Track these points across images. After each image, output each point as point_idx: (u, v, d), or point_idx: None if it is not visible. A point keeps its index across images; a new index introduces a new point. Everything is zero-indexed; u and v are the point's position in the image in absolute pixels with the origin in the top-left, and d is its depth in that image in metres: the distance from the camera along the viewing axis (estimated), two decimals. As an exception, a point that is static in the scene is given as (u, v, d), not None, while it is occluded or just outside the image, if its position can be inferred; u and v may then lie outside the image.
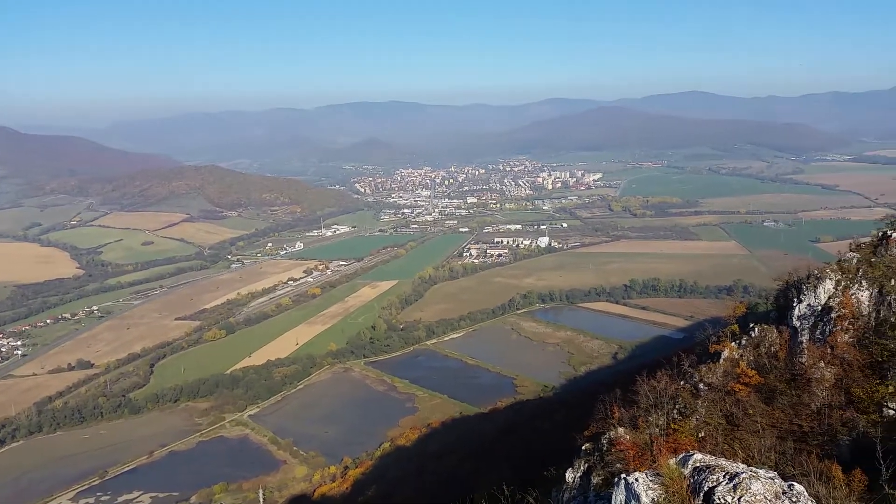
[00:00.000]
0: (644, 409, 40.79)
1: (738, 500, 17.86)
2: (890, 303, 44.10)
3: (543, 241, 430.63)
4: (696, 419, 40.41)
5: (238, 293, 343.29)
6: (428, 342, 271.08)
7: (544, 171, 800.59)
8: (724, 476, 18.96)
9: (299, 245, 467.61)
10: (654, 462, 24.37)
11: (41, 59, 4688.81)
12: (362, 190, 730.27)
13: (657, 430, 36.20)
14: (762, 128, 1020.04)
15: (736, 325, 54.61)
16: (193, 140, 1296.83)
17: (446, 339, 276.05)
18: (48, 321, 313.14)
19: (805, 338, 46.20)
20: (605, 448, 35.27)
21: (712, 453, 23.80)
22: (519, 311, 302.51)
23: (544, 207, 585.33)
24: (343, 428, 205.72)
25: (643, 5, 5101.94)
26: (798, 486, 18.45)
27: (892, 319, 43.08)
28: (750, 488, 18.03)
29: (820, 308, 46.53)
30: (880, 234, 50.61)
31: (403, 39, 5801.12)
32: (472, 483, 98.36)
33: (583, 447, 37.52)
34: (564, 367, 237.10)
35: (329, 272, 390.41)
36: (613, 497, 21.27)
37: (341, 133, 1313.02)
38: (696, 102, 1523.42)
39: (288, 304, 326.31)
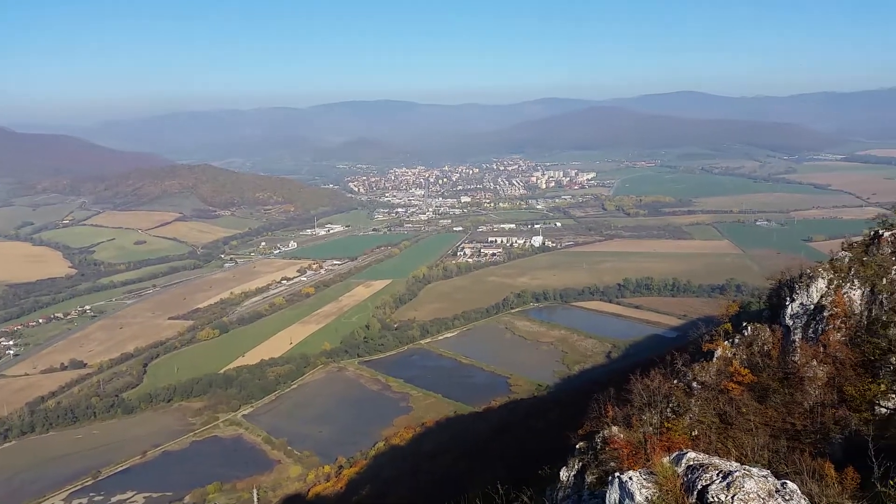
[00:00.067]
0: (638, 408, 40.89)
1: (732, 498, 17.93)
2: (882, 301, 44.34)
3: (537, 241, 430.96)
4: (690, 418, 40.55)
5: (231, 292, 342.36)
6: (422, 341, 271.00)
7: (538, 171, 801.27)
8: (718, 474, 19.02)
9: (293, 244, 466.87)
10: (648, 461, 24.46)
11: (31, 57, 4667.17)
12: (356, 189, 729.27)
13: (651, 428, 36.30)
14: (755, 127, 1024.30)
15: (729, 324, 54.74)
16: (186, 139, 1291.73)
17: (440, 338, 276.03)
18: (40, 321, 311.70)
19: (798, 336, 46.40)
20: (599, 447, 35.36)
21: (706, 452, 23.88)
22: (513, 311, 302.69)
23: (538, 207, 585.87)
24: (337, 427, 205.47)
25: (637, 5, 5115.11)
26: (791, 485, 18.52)
27: (884, 318, 43.30)
28: (743, 486, 18.09)
29: (812, 307, 46.74)
30: (872, 233, 50.83)
31: (398, 39, 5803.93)
32: (466, 482, 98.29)
33: (577, 446, 37.62)
34: (558, 365, 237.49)
35: (323, 271, 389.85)
36: (607, 496, 21.30)
37: (335, 132, 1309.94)
38: (690, 102, 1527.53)
39: (282, 304, 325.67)
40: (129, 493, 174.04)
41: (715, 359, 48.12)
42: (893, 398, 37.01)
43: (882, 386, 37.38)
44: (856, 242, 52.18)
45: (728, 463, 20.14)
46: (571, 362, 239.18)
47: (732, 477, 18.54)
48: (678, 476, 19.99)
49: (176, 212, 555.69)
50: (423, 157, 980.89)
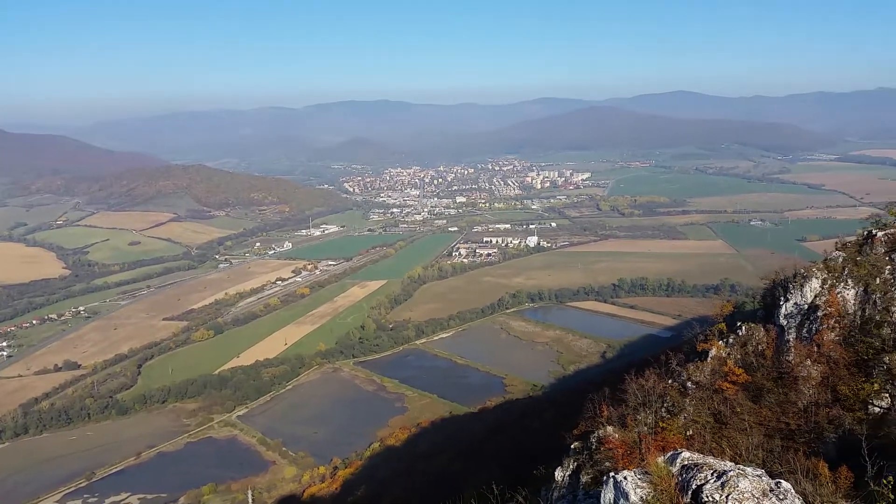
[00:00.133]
0: (633, 408, 40.95)
1: (726, 497, 17.95)
2: (875, 301, 44.48)
3: (532, 241, 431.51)
4: (685, 417, 40.60)
5: (226, 293, 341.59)
6: (417, 342, 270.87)
7: (533, 171, 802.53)
8: (712, 474, 19.05)
9: (288, 245, 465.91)
10: (643, 460, 24.44)
11: (25, 57, 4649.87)
12: (351, 189, 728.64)
13: (646, 428, 36.35)
14: (749, 127, 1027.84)
15: (723, 324, 54.81)
16: (180, 139, 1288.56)
17: (436, 338, 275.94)
18: (34, 322, 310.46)
19: (792, 336, 46.50)
20: (594, 447, 35.37)
21: (700, 451, 23.93)
22: (508, 311, 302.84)
23: (533, 207, 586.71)
24: (332, 428, 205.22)
25: (633, 6, 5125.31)
26: (785, 484, 18.56)
27: (878, 318, 43.44)
28: (738, 486, 18.13)
29: (806, 307, 46.85)
30: (865, 233, 50.93)
31: (394, 39, 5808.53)
32: (461, 482, 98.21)
33: (572, 446, 37.61)
34: (553, 366, 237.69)
35: (318, 272, 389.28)
36: (602, 495, 21.32)
37: (331, 132, 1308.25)
38: (684, 102, 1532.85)
39: (276, 304, 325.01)
40: (124, 495, 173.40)
41: (709, 358, 48.18)
42: (887, 397, 37.15)
43: (875, 385, 37.50)
44: (849, 242, 52.22)
45: (722, 462, 20.18)
46: (566, 362, 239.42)
47: (727, 476, 18.58)
48: (673, 476, 20.01)
49: (170, 212, 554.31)
50: (419, 157, 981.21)
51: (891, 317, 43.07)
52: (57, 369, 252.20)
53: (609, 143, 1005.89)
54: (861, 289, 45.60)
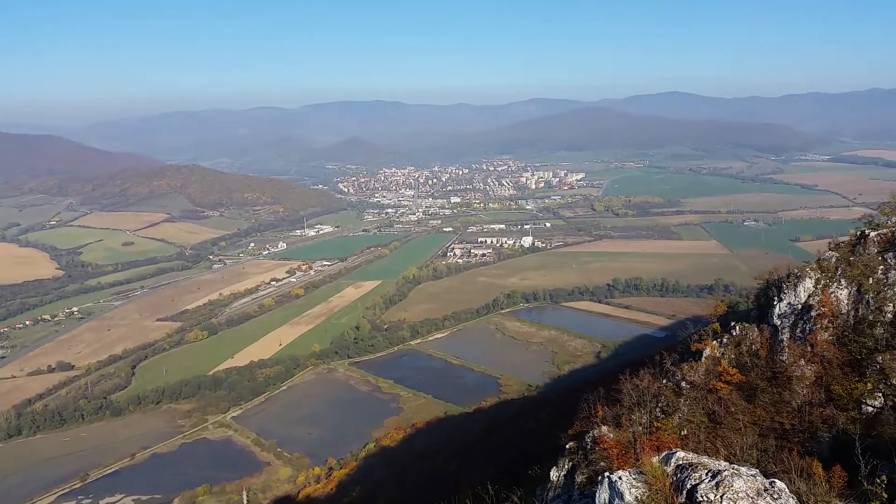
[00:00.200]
0: (627, 408, 40.99)
1: (721, 497, 18.03)
2: (868, 301, 44.66)
3: (527, 241, 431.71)
4: (679, 417, 40.69)
5: (220, 294, 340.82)
6: (412, 342, 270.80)
7: (528, 171, 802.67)
8: (707, 474, 19.13)
9: (282, 245, 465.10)
10: (638, 460, 24.55)
11: (18, 57, 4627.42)
12: (345, 189, 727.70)
13: (640, 428, 36.39)
14: (743, 128, 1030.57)
15: (717, 324, 54.91)
16: (174, 139, 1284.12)
17: (430, 338, 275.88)
18: (27, 322, 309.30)
19: (785, 336, 46.66)
20: (588, 447, 35.47)
21: (695, 451, 24.00)
22: (503, 311, 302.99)
23: (528, 207, 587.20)
24: (327, 429, 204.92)
25: (628, 7, 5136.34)
26: (779, 483, 18.65)
27: (871, 317, 43.63)
28: (732, 485, 18.20)
29: (800, 306, 47.02)
30: (858, 233, 51.11)
31: (389, 39, 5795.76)
32: (456, 482, 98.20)
33: (567, 446, 37.73)
34: (548, 366, 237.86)
35: (312, 272, 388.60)
36: (597, 495, 21.37)
37: (325, 132, 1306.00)
38: (678, 103, 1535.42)
39: (271, 305, 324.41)
40: (118, 496, 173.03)
41: (703, 358, 48.30)
42: (880, 397, 37.32)
43: (869, 385, 37.67)
44: (842, 242, 52.42)
45: (717, 462, 20.26)
46: (561, 362, 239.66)
47: (721, 476, 18.66)
48: (667, 475, 20.08)
49: (164, 212, 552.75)
50: (413, 157, 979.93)
51: (884, 316, 43.27)
52: (50, 370, 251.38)
53: (603, 143, 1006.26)
54: (854, 289, 45.80)
